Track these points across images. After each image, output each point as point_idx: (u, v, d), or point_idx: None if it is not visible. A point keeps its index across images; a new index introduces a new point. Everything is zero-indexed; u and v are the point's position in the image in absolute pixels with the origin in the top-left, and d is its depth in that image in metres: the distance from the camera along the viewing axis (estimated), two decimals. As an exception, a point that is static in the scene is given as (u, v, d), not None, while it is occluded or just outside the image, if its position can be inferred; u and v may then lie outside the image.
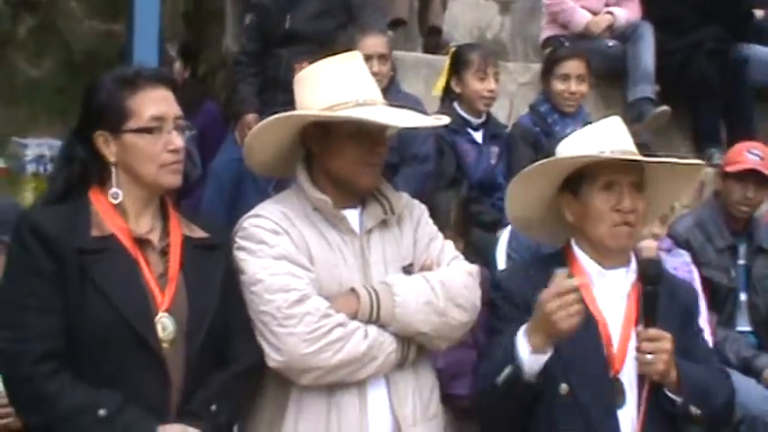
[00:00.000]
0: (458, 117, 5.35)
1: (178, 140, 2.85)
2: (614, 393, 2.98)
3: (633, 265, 3.11)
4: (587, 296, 3.01)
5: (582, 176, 3.08)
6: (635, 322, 3.01)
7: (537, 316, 2.87)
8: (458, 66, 5.49)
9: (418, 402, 3.05)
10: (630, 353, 2.99)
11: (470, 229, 4.54)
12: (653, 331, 2.94)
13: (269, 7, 5.95)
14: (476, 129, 5.45)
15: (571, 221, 3.12)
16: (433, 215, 3.30)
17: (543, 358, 2.88)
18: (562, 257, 3.13)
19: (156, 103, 2.85)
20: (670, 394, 2.97)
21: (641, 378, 2.97)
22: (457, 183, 5.23)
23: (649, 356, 2.92)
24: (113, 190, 2.84)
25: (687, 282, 3.48)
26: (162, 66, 5.47)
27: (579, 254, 3.12)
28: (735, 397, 3.23)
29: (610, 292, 3.07)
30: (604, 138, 3.11)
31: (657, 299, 2.96)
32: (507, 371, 2.88)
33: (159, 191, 2.90)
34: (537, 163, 3.17)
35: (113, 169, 2.86)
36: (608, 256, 3.09)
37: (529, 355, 2.87)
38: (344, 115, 2.99)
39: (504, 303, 3.08)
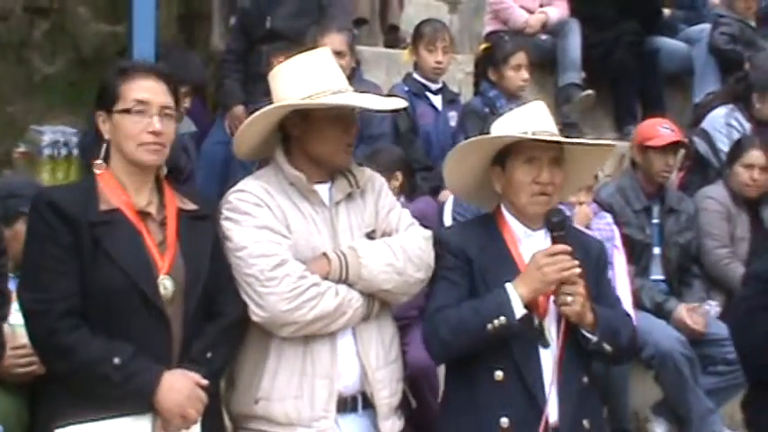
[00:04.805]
0: (417, 83, 5.33)
1: (158, 125, 2.81)
2: (538, 335, 3.00)
3: None
4: (516, 254, 3.06)
5: (508, 152, 3.08)
6: None
7: (529, 271, 2.94)
8: (414, 38, 5.48)
9: (381, 349, 3.04)
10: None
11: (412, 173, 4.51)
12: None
13: (250, 10, 5.89)
14: (435, 93, 5.40)
15: (499, 191, 3.13)
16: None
17: (524, 311, 2.94)
18: (494, 219, 3.14)
19: (142, 89, 2.82)
20: (587, 334, 2.99)
21: (560, 320, 3.00)
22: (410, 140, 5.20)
23: (569, 299, 2.95)
24: (98, 161, 2.84)
25: (596, 238, 3.51)
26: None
27: (508, 216, 3.12)
28: (636, 337, 3.27)
29: (534, 249, 3.05)
30: (530, 119, 3.09)
31: (566, 240, 2.99)
32: (502, 320, 2.91)
33: (140, 166, 2.85)
34: (468, 140, 3.20)
35: (105, 144, 2.85)
36: (532, 220, 3.10)
37: (522, 308, 2.92)
38: (327, 102, 2.97)
39: (444, 253, 3.07)
